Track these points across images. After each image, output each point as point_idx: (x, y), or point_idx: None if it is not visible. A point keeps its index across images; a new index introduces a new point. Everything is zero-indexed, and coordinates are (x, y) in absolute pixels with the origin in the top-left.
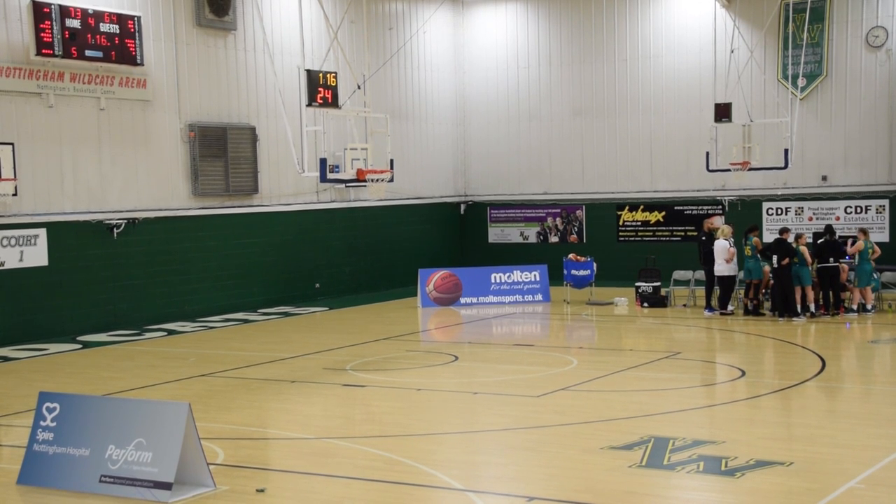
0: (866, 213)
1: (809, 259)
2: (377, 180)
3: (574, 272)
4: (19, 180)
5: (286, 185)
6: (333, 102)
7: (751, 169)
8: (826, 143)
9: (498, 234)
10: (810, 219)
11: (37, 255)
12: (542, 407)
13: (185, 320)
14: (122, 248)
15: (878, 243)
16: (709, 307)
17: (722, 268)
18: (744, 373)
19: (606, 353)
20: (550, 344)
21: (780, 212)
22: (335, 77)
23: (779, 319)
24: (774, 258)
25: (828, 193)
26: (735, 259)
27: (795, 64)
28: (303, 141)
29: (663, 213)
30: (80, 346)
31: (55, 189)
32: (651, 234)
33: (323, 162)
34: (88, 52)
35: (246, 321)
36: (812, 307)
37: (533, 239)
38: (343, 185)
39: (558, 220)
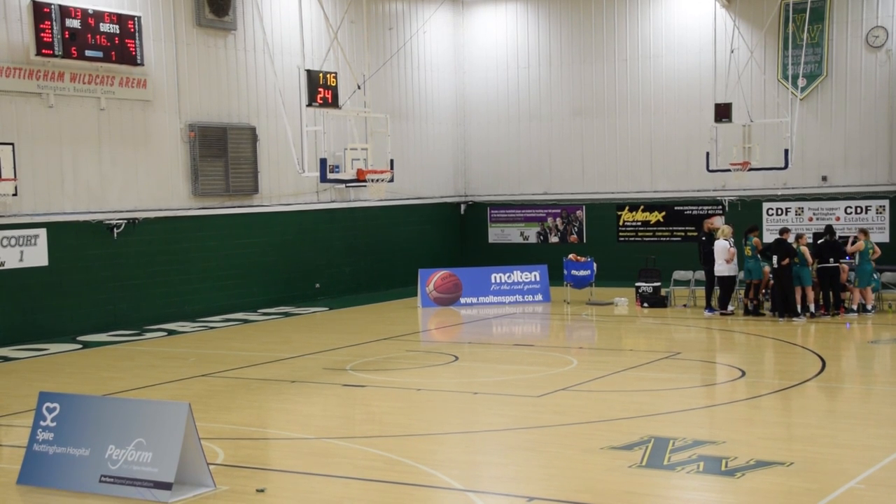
0: (866, 213)
1: (810, 259)
2: (377, 180)
3: (574, 272)
4: (19, 180)
5: (286, 185)
6: (333, 102)
7: (751, 169)
8: (826, 144)
9: (498, 234)
10: (810, 219)
11: (37, 255)
12: (542, 407)
13: (185, 320)
14: (122, 248)
15: (878, 243)
16: (709, 307)
17: (722, 268)
18: (744, 373)
19: (606, 354)
20: (550, 344)
21: (780, 212)
22: (335, 77)
23: (779, 320)
24: (774, 258)
25: (828, 194)
26: (735, 259)
27: (795, 64)
28: (303, 141)
29: (663, 214)
30: (80, 346)
31: (55, 189)
32: (651, 234)
33: (323, 162)
34: (88, 52)
35: (246, 321)
36: (812, 307)
37: (533, 239)
38: (343, 185)
39: (558, 221)
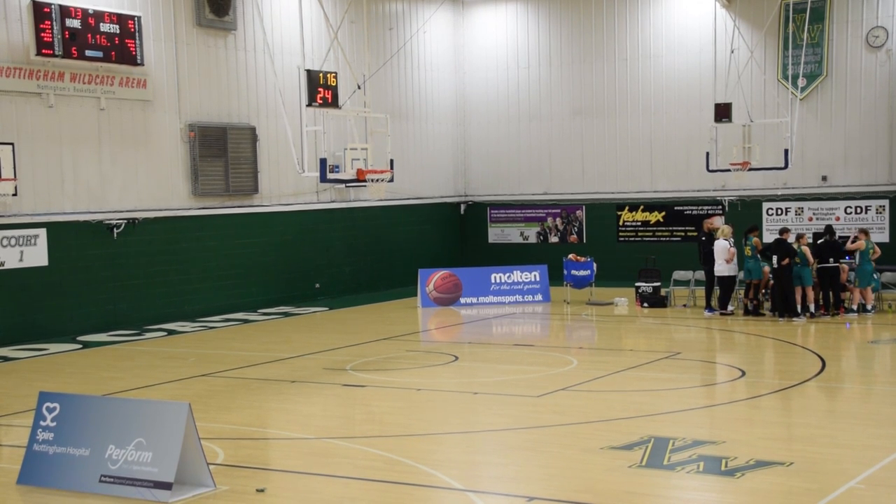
0: (866, 213)
1: (811, 259)
2: (377, 180)
3: (574, 272)
4: (19, 180)
5: (286, 185)
6: (333, 102)
7: (751, 169)
8: (826, 143)
9: (498, 234)
10: (810, 219)
11: (37, 255)
12: (542, 407)
13: (185, 320)
14: (122, 248)
15: (878, 243)
16: (709, 307)
17: (722, 268)
18: (744, 373)
19: (606, 354)
20: (550, 344)
21: (780, 212)
22: (335, 77)
23: (779, 319)
24: (774, 258)
25: (828, 193)
26: (735, 259)
27: (795, 64)
28: (303, 141)
29: (663, 214)
30: (80, 346)
31: (55, 189)
32: (651, 234)
33: (323, 162)
34: (88, 52)
35: (246, 321)
36: (812, 307)
37: (533, 239)
38: (343, 185)
39: (558, 221)
